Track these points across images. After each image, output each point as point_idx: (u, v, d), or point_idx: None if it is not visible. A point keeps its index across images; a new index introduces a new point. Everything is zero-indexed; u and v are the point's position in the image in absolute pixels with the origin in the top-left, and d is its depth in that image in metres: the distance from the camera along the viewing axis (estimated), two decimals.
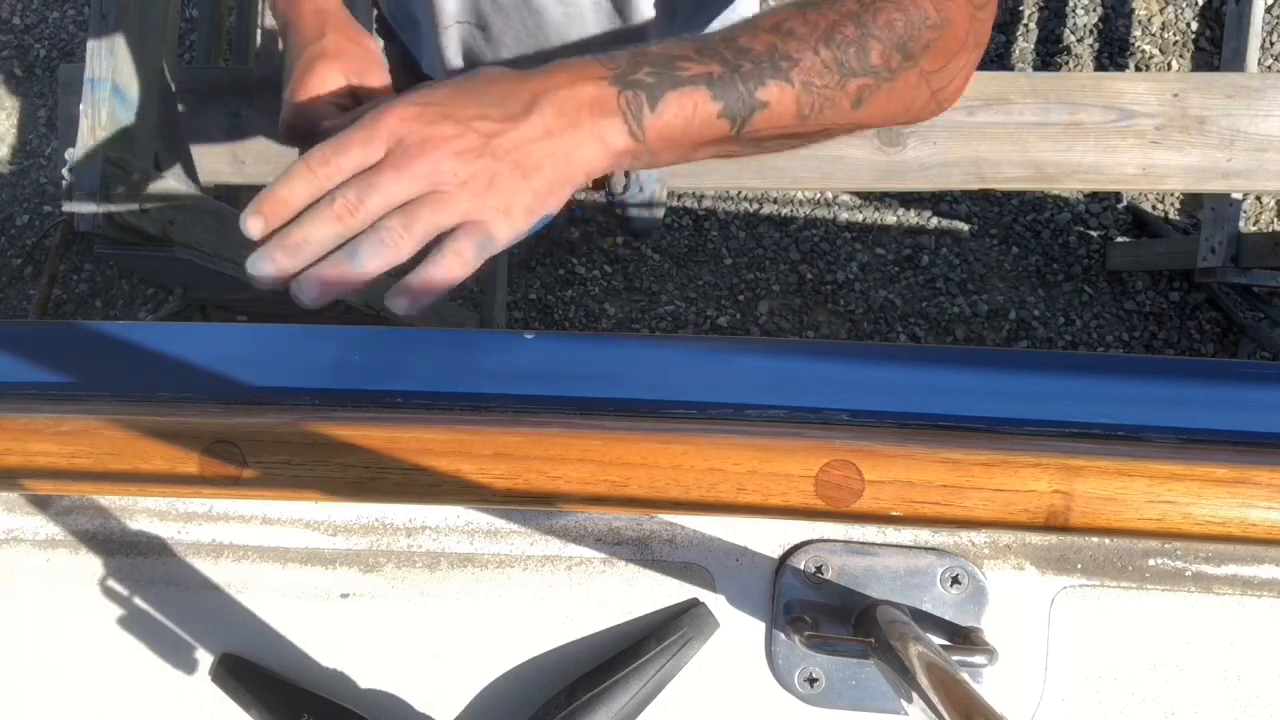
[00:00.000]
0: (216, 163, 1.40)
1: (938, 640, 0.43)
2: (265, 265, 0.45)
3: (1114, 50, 2.02)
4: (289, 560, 0.46)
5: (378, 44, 0.66)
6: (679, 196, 1.95)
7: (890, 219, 1.97)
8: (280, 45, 0.65)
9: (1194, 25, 2.01)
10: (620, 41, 0.81)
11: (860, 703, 0.45)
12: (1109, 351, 1.91)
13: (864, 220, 1.97)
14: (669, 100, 0.46)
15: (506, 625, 0.46)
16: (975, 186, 1.43)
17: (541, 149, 0.46)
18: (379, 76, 0.61)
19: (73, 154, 1.05)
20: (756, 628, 0.46)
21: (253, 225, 0.46)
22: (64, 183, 1.04)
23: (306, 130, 0.58)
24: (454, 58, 0.84)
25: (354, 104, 0.59)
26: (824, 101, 0.49)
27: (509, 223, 0.47)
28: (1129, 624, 0.45)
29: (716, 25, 0.86)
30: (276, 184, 0.45)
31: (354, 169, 0.45)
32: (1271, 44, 1.99)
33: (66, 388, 0.50)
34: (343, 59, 0.60)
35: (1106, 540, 0.45)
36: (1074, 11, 2.02)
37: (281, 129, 0.60)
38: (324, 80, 0.59)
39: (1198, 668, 0.44)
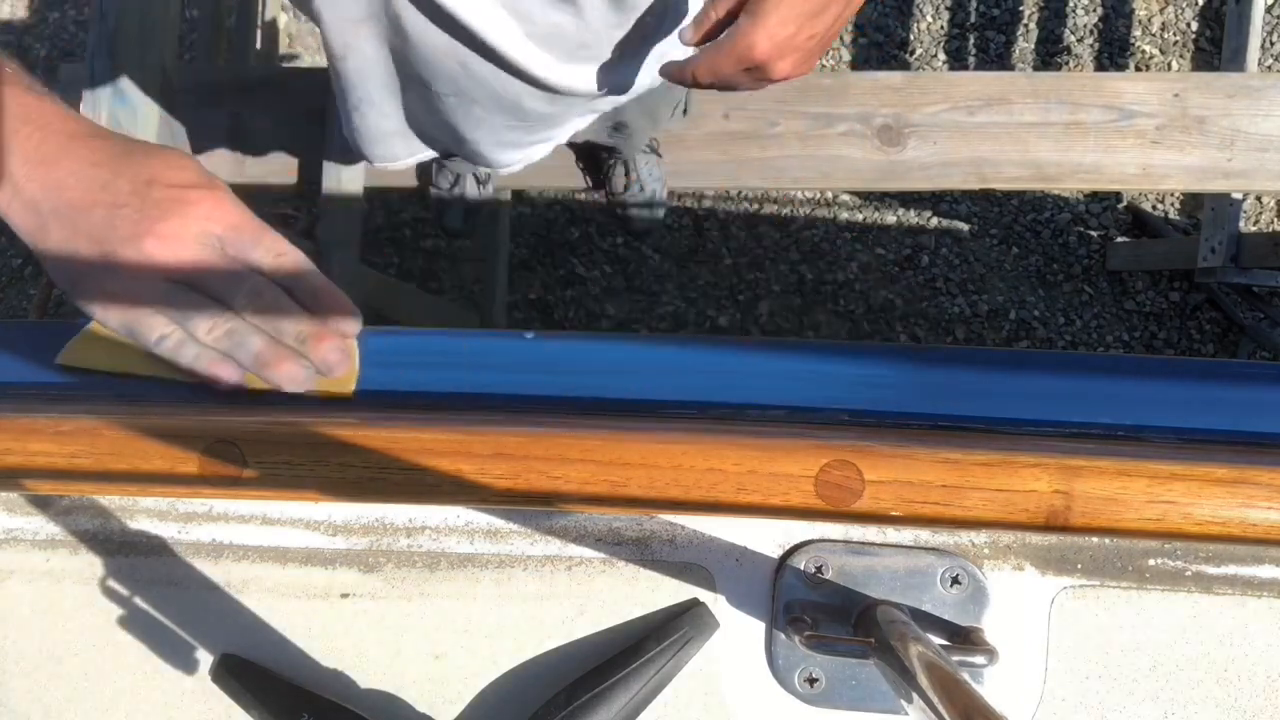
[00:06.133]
0: (216, 163, 1.40)
1: (938, 640, 0.43)
2: None
3: (1114, 50, 2.02)
4: (289, 560, 0.46)
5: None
6: (679, 196, 1.95)
7: (890, 219, 1.96)
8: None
9: (1194, 25, 2.01)
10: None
11: (860, 703, 0.45)
12: (1109, 351, 1.91)
13: (864, 220, 1.97)
14: None
15: (506, 625, 0.46)
16: (975, 186, 1.43)
17: None
18: None
19: None
20: (756, 628, 0.46)
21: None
22: None
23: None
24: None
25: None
26: None
27: None
28: (1129, 624, 0.45)
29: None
30: None
31: None
32: (1271, 44, 1.99)
33: (66, 388, 0.50)
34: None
35: (1106, 540, 0.44)
36: (1074, 11, 2.02)
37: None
38: None
39: (1198, 668, 0.44)
